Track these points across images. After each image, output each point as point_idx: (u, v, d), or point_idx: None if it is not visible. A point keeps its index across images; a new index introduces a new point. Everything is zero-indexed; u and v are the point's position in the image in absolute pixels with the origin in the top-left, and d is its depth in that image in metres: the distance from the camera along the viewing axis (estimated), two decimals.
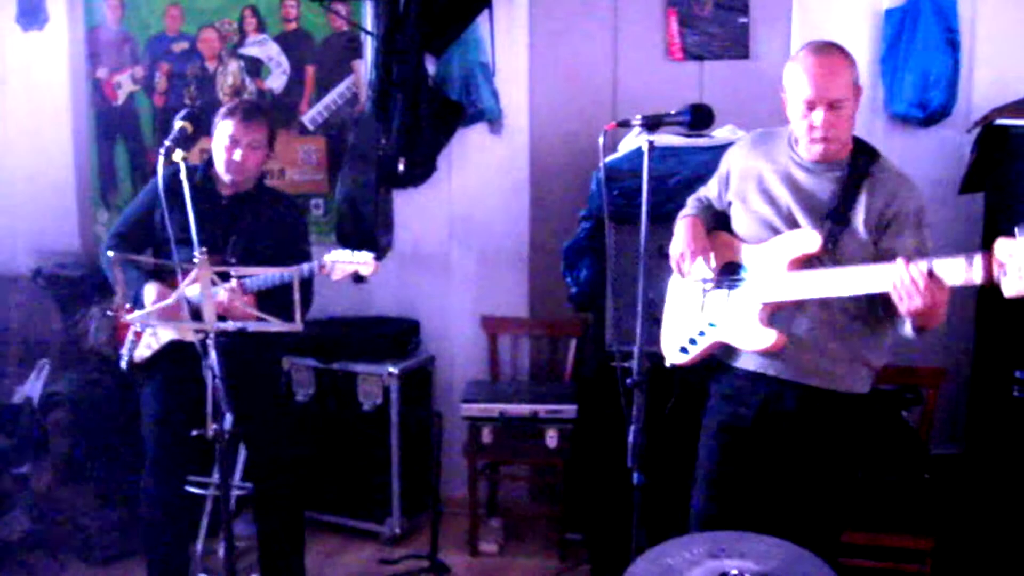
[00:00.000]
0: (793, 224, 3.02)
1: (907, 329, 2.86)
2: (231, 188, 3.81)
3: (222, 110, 3.79)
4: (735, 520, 2.99)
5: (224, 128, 3.71)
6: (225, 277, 3.40)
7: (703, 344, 3.19)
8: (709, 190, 3.38)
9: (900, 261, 2.63)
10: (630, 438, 2.95)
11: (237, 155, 3.71)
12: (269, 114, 3.92)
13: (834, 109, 2.91)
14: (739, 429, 3.17)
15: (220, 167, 3.75)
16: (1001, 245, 2.43)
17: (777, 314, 3.01)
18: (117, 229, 3.90)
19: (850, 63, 2.96)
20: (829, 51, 2.96)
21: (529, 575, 4.65)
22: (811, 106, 2.93)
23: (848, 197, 2.95)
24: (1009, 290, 2.41)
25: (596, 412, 4.47)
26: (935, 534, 3.83)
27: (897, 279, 2.63)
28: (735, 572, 1.96)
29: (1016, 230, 2.39)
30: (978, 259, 2.49)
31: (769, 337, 2.98)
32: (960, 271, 2.55)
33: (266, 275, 3.55)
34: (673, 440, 3.49)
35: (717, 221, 3.31)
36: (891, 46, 4.60)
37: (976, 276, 2.51)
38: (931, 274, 2.59)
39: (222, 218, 3.73)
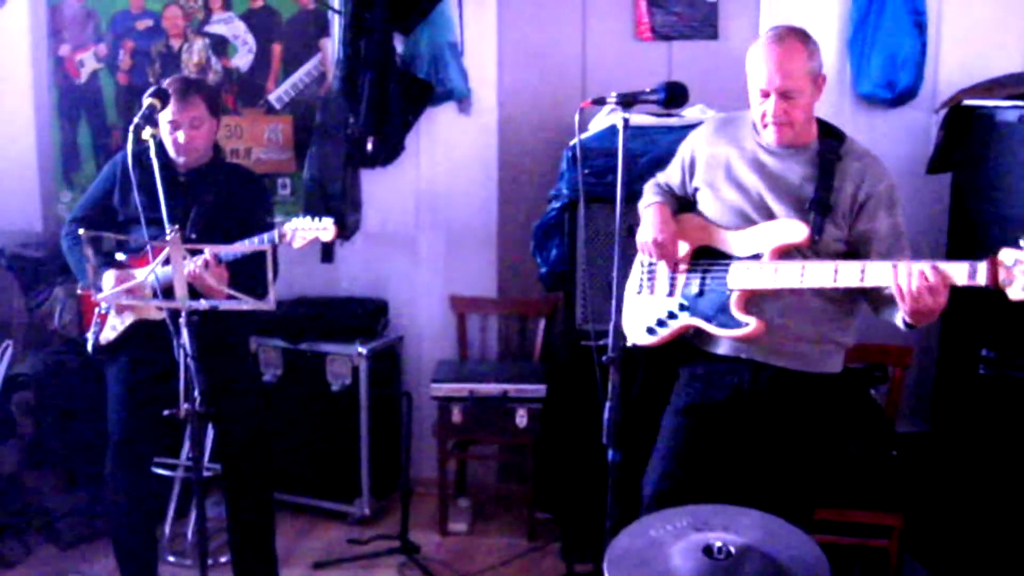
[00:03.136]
0: (764, 209, 3.02)
1: (898, 321, 2.81)
2: (186, 165, 3.77)
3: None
4: (692, 498, 2.92)
5: (164, 113, 3.64)
6: (195, 255, 3.36)
7: (673, 327, 3.17)
8: (670, 177, 3.36)
9: (920, 264, 2.59)
10: (605, 415, 2.94)
11: (181, 137, 3.64)
12: (204, 86, 3.81)
13: (787, 99, 2.91)
14: (708, 409, 3.17)
15: (171, 151, 3.70)
16: (1006, 253, 2.45)
17: (751, 300, 3.00)
18: (76, 214, 3.84)
19: (809, 52, 2.94)
20: (788, 39, 2.93)
21: (499, 554, 4.65)
22: (765, 94, 2.94)
23: (825, 184, 2.95)
24: (1015, 294, 2.45)
25: (566, 391, 4.49)
26: (902, 510, 3.87)
27: (905, 279, 2.60)
28: (719, 544, 1.98)
29: (1021, 241, 2.43)
30: (983, 265, 2.49)
31: (748, 325, 2.96)
32: (962, 275, 2.54)
33: (232, 247, 3.51)
34: (640, 419, 3.49)
35: (680, 207, 3.29)
36: (858, 27, 4.63)
37: (981, 279, 2.50)
38: (939, 272, 2.56)
39: (180, 195, 3.68)
